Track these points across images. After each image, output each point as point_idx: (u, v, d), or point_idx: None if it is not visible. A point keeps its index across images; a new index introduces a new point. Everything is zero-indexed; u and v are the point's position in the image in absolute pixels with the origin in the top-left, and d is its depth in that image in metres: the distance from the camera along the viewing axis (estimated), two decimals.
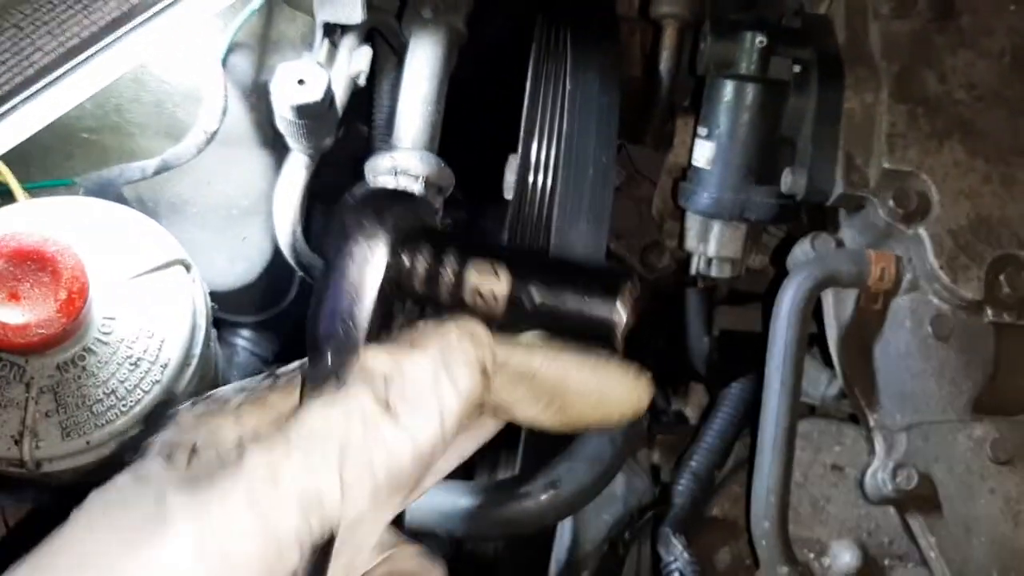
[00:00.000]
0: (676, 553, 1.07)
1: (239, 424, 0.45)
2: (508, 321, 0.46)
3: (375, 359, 0.44)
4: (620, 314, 0.46)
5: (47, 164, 1.03)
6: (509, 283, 0.46)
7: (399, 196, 0.52)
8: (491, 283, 0.46)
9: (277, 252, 1.09)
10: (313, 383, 0.45)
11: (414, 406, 0.43)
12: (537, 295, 0.46)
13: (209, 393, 0.49)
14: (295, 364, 0.49)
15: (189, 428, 0.46)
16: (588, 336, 0.47)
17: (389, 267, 0.46)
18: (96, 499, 0.43)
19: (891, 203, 0.98)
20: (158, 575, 0.39)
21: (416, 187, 0.91)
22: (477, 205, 1.44)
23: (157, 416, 0.81)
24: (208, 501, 0.40)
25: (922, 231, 0.98)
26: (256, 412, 0.46)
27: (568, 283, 0.46)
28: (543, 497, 1.00)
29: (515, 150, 1.24)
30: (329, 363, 0.45)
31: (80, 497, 0.47)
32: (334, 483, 0.42)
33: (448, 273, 0.46)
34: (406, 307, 0.48)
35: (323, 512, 0.41)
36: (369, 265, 0.46)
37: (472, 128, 1.26)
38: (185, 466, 0.42)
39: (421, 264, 0.47)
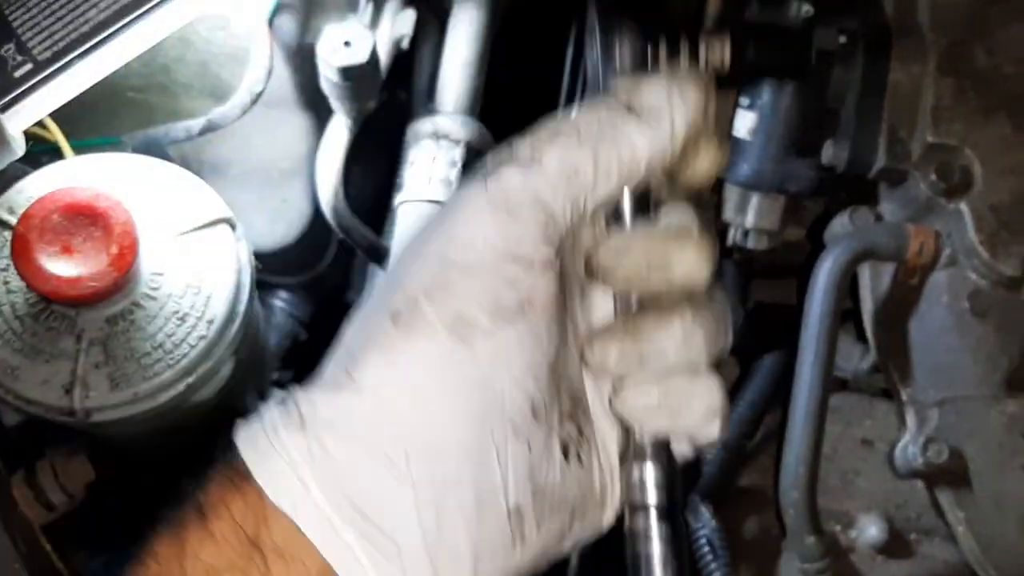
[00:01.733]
0: (704, 520, 1.09)
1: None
2: None
3: (620, 81, 0.59)
4: None
5: (94, 122, 1.04)
6: None
7: None
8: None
9: (316, 215, 1.11)
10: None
11: (651, 113, 0.55)
12: None
13: None
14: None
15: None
16: None
17: None
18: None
19: (933, 177, 0.97)
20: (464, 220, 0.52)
21: (458, 152, 0.92)
22: None
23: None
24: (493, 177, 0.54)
25: (963, 206, 0.97)
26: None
27: None
28: None
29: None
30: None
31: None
32: (588, 160, 0.53)
33: None
34: None
35: (579, 181, 0.53)
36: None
37: (515, 91, 1.26)
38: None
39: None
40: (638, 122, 0.55)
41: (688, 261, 0.56)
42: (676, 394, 0.57)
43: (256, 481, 0.50)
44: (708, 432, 0.60)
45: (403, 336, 0.50)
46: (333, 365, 0.53)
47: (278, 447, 0.50)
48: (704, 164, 0.59)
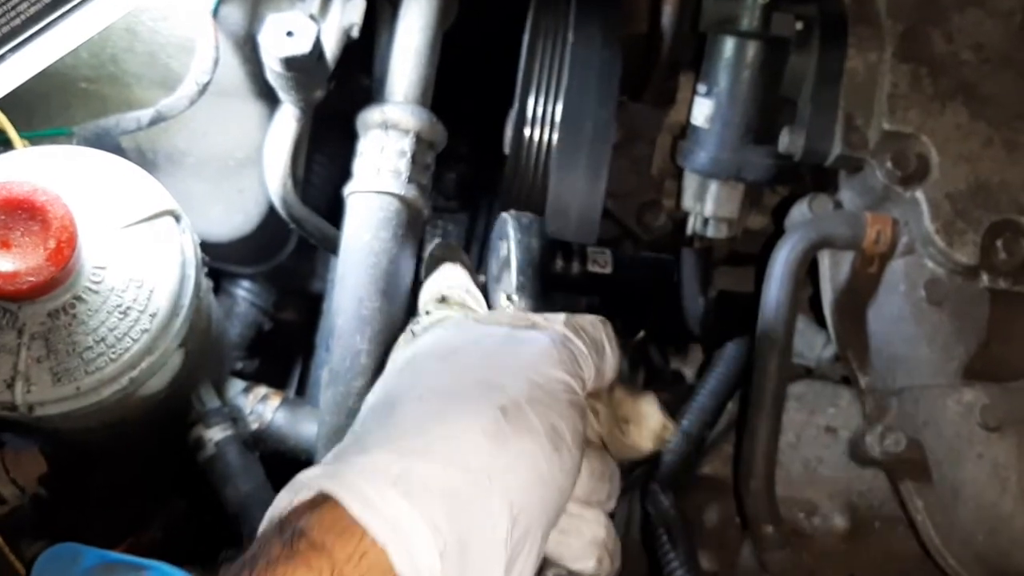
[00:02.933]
0: (663, 509, 1.08)
1: None
2: (614, 277, 0.88)
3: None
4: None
5: (47, 113, 1.03)
6: (611, 255, 0.93)
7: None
8: (602, 256, 0.92)
9: (274, 205, 1.10)
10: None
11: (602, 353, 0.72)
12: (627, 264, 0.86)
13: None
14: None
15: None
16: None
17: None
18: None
19: (889, 165, 0.96)
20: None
21: (407, 142, 0.91)
22: (480, 159, 1.43)
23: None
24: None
25: (919, 194, 0.96)
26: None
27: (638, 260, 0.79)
28: None
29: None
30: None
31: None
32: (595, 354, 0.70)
33: (575, 250, 0.91)
34: None
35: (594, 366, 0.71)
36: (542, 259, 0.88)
37: (474, 81, 1.25)
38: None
39: (557, 251, 0.89)
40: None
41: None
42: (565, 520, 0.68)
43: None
44: (585, 564, 0.71)
45: (514, 431, 0.60)
46: (411, 438, 0.61)
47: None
48: (646, 431, 0.75)
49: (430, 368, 0.66)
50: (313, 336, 1.33)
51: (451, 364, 0.66)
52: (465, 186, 1.47)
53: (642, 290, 0.79)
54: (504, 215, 0.89)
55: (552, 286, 0.87)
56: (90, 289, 0.82)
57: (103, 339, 0.82)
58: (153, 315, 0.83)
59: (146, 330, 0.82)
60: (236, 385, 1.05)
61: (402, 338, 0.75)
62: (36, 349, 0.81)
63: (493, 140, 1.19)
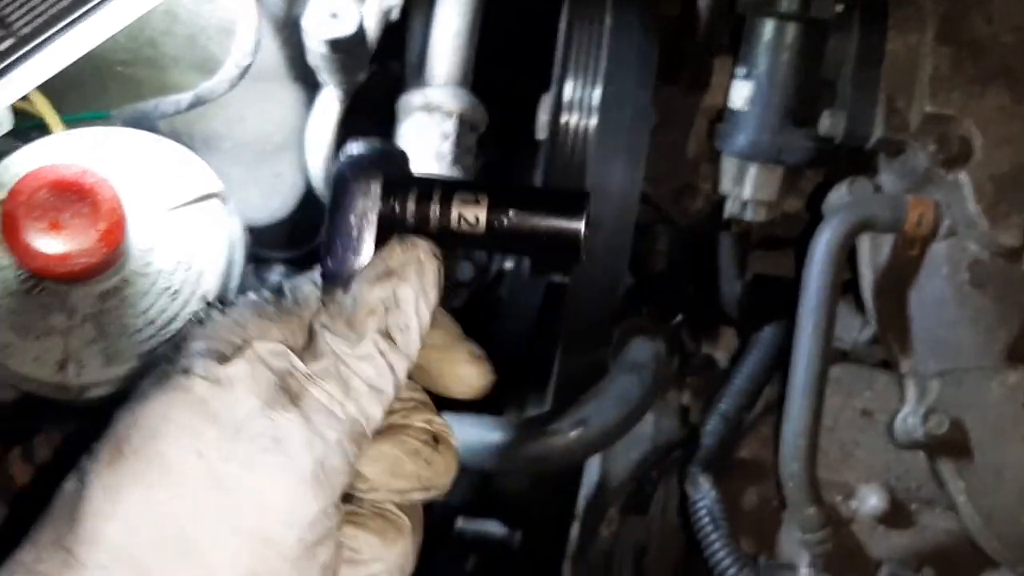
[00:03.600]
0: (704, 491, 1.09)
1: (275, 333, 0.53)
2: (488, 239, 0.56)
3: (377, 292, 0.53)
4: (581, 227, 0.55)
5: (82, 97, 1.03)
6: (487, 208, 0.55)
7: (385, 151, 0.60)
8: (472, 209, 0.55)
9: (311, 188, 1.10)
10: (329, 309, 0.54)
11: (406, 331, 0.53)
12: (511, 217, 0.55)
13: (218, 303, 0.56)
14: (302, 280, 0.57)
15: (228, 332, 0.52)
16: (555, 247, 0.55)
17: (382, 212, 0.56)
18: (170, 402, 0.49)
19: (932, 147, 0.96)
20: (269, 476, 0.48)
21: (450, 124, 0.91)
22: (507, 147, 1.43)
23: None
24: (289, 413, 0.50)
25: (963, 176, 0.96)
26: (284, 326, 0.53)
27: (536, 205, 0.55)
28: (572, 434, 1.02)
29: (547, 89, 1.23)
30: (343, 293, 0.55)
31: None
32: (377, 412, 0.52)
33: (435, 207, 0.56)
34: None
35: (363, 430, 0.52)
36: (367, 215, 0.56)
37: (503, 67, 1.25)
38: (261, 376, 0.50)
39: (411, 203, 0.56)
40: (397, 351, 0.53)
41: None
42: None
43: None
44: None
45: None
46: None
47: None
48: (470, 374, 0.58)
49: (126, 507, 0.47)
50: None
51: (152, 511, 0.47)
52: (491, 172, 1.47)
53: (530, 248, 0.59)
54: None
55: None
56: (139, 271, 0.82)
57: (153, 321, 0.81)
58: (203, 297, 0.82)
59: (196, 312, 0.82)
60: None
61: (159, 365, 0.53)
62: (87, 331, 0.81)
63: (520, 126, 1.19)
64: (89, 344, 0.81)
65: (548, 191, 0.57)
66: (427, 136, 0.90)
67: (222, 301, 0.56)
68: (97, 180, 0.77)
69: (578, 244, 0.55)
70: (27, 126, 0.91)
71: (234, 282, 0.85)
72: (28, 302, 0.81)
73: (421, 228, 0.56)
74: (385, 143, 0.60)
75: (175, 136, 1.05)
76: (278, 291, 0.56)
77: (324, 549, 0.49)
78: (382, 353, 0.52)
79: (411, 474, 0.54)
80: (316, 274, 0.57)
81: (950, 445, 1.00)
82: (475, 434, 1.04)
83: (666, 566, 1.19)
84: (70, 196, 0.77)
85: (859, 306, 1.13)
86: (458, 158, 0.91)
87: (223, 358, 0.50)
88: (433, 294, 0.54)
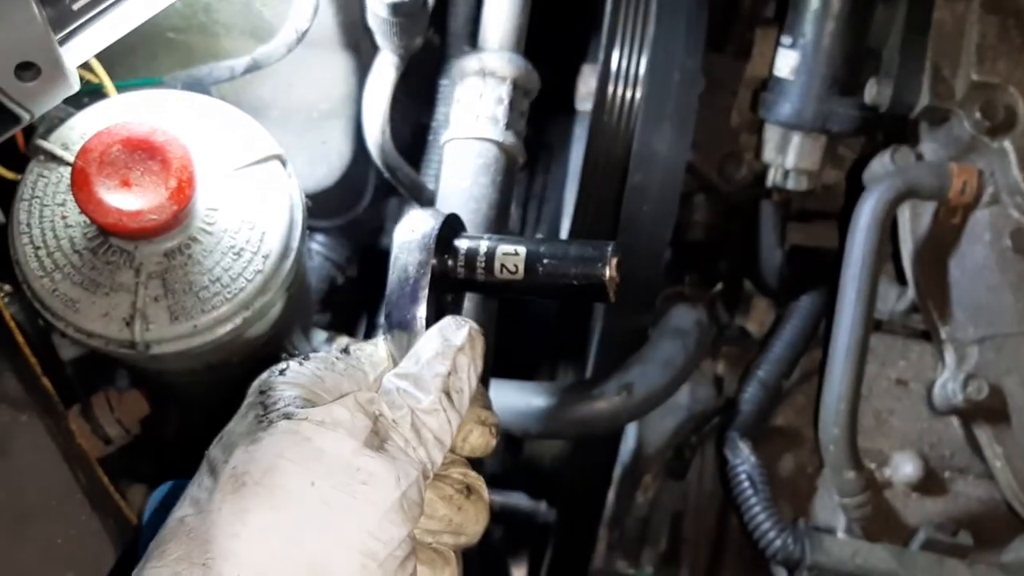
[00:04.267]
0: (743, 456, 1.10)
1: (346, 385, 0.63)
2: (527, 286, 0.67)
3: (441, 359, 0.63)
4: (608, 275, 0.65)
5: (132, 65, 1.04)
6: (524, 260, 0.67)
7: (438, 214, 0.69)
8: (512, 260, 0.67)
9: (356, 157, 1.11)
10: (402, 369, 0.64)
11: (461, 393, 0.63)
12: (546, 266, 0.66)
13: (295, 359, 0.65)
14: (367, 344, 0.67)
15: (312, 383, 0.62)
16: (586, 293, 0.65)
17: (436, 267, 0.67)
18: (282, 441, 0.57)
19: (978, 115, 0.97)
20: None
21: (504, 89, 0.92)
22: (542, 118, 1.44)
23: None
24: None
25: (1007, 144, 0.98)
26: (352, 380, 0.64)
27: (568, 255, 0.66)
28: (617, 398, 1.03)
29: (585, 60, 1.24)
30: (406, 346, 0.65)
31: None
32: (438, 458, 0.61)
33: (481, 261, 0.68)
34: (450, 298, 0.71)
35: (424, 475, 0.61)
36: (423, 270, 0.67)
37: (536, 38, 1.25)
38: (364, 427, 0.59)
39: (461, 258, 0.68)
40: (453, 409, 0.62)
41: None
42: None
43: None
44: None
45: None
46: None
47: None
48: (476, 440, 0.65)
49: (254, 527, 0.55)
50: (378, 291, 1.34)
51: (277, 530, 0.55)
52: (526, 144, 1.48)
53: (564, 293, 0.66)
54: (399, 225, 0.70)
55: (452, 291, 0.70)
56: (204, 230, 0.83)
57: (218, 279, 0.83)
58: (266, 256, 0.84)
59: (259, 271, 0.83)
60: (319, 335, 1.06)
61: (249, 411, 0.61)
62: (153, 288, 0.82)
63: (552, 98, 1.19)
64: (155, 301, 0.82)
65: (578, 243, 0.68)
66: (483, 100, 0.91)
67: (299, 356, 0.65)
68: (168, 138, 0.78)
69: (605, 290, 0.64)
70: (82, 91, 0.92)
71: (296, 241, 0.86)
72: (96, 259, 0.82)
73: (470, 279, 0.68)
74: (436, 211, 0.70)
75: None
76: (345, 351, 0.67)
77: (408, 567, 0.58)
78: (444, 409, 0.61)
79: (443, 517, 0.62)
80: (380, 339, 0.67)
81: (989, 411, 1.02)
82: (519, 399, 1.05)
83: (703, 532, 1.21)
84: (141, 154, 0.78)
85: (896, 276, 1.15)
86: (512, 122, 0.92)
87: (319, 404, 0.60)
88: (480, 363, 0.64)
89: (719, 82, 1.11)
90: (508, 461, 1.47)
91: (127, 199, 0.77)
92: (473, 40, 1.03)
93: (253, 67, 0.98)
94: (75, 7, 0.75)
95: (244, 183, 0.85)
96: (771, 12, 1.15)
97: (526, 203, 1.49)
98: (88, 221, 0.80)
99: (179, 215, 0.78)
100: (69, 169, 0.79)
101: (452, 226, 0.70)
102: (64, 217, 0.83)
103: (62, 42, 0.76)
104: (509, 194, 0.94)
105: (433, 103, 1.19)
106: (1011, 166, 0.97)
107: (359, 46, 1.06)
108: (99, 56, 0.91)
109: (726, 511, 1.17)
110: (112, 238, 0.81)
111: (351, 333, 1.40)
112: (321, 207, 1.18)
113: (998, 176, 0.99)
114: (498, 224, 0.92)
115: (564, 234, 1.26)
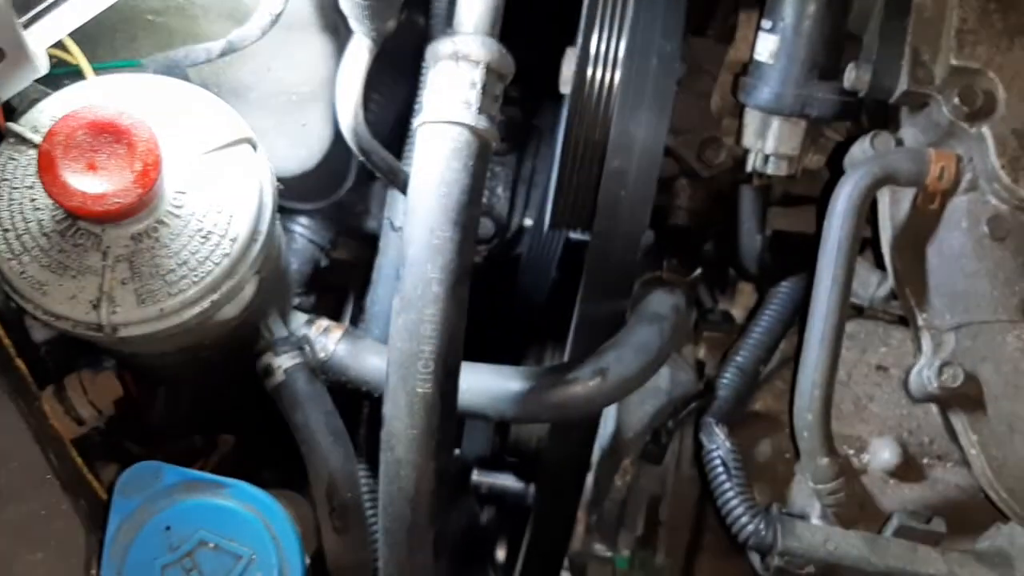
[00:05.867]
0: (718, 442, 1.11)
1: None
2: None
3: None
4: None
5: (113, 46, 1.04)
6: None
7: None
8: None
9: (336, 140, 1.11)
10: None
11: None
12: None
13: None
14: None
15: None
16: None
17: None
18: None
19: (956, 100, 0.96)
20: None
21: (477, 73, 0.91)
22: (529, 101, 1.43)
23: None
24: None
25: (985, 130, 0.97)
26: None
27: None
28: (591, 383, 1.03)
29: (571, 43, 1.23)
30: None
31: None
32: None
33: None
34: None
35: None
36: None
37: (526, 21, 1.25)
38: None
39: None
40: None
41: None
42: None
43: None
44: None
45: None
46: None
47: None
48: None
49: None
50: (364, 277, 1.35)
51: None
52: (514, 128, 1.47)
53: None
54: None
55: None
56: (172, 213, 0.84)
57: (185, 262, 0.83)
58: (233, 240, 0.84)
59: (227, 254, 0.84)
60: (299, 317, 1.07)
61: None
62: (120, 271, 0.82)
63: (542, 81, 1.19)
64: (122, 284, 0.83)
65: None
66: (455, 84, 0.91)
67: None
68: (134, 121, 0.79)
69: None
70: (59, 73, 0.93)
71: (265, 225, 0.87)
72: (64, 242, 0.82)
73: None
74: None
75: (204, 85, 1.06)
76: None
77: None
78: None
79: None
80: None
81: (964, 398, 1.02)
82: (495, 383, 1.05)
83: (679, 516, 1.21)
84: (107, 137, 0.78)
85: (876, 262, 1.14)
86: (484, 106, 0.91)
87: None
88: None
89: (700, 66, 1.11)
90: (496, 443, 1.48)
91: (92, 182, 0.78)
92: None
93: (229, 49, 0.98)
94: None
95: (213, 166, 0.86)
96: None
97: (515, 186, 1.49)
98: (56, 204, 0.80)
99: (144, 198, 0.79)
100: (38, 151, 0.80)
101: None
102: (33, 200, 0.83)
103: (27, 25, 0.76)
104: (482, 178, 0.93)
105: (417, 85, 1.19)
106: (989, 152, 0.96)
107: (338, 29, 1.06)
108: (79, 37, 0.92)
109: (704, 496, 1.18)
110: (80, 221, 0.82)
111: (337, 315, 1.41)
112: (303, 190, 1.19)
113: (976, 162, 0.98)
114: (469, 208, 0.91)
115: (548, 212, 1.26)
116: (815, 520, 1.08)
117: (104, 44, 1.03)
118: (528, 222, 1.42)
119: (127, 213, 0.79)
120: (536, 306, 1.39)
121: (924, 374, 1.02)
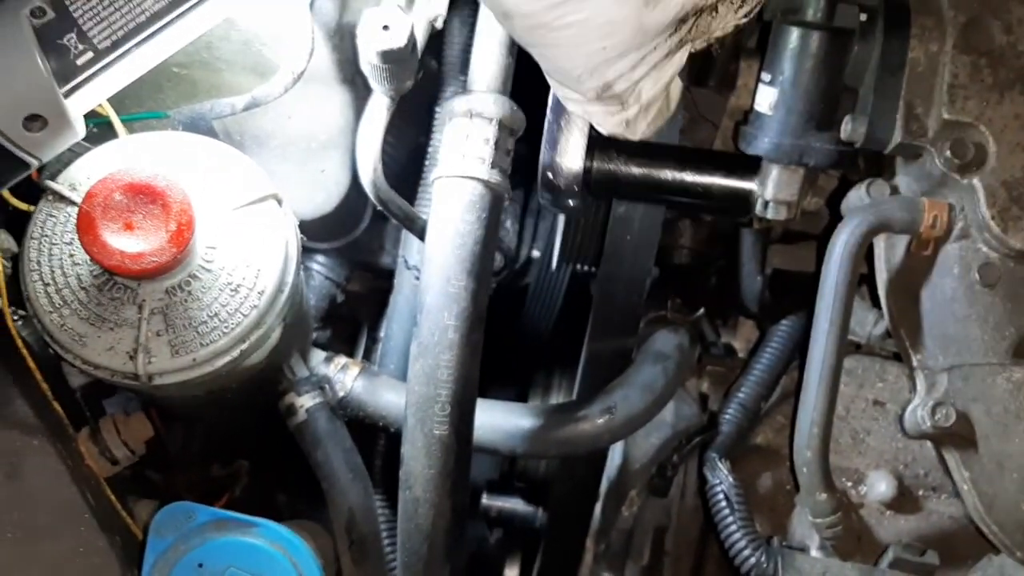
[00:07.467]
0: (721, 476, 1.15)
1: None
2: None
3: None
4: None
5: (139, 96, 1.09)
6: None
7: None
8: None
9: (353, 184, 1.16)
10: None
11: None
12: None
13: None
14: None
15: None
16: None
17: None
18: None
19: (948, 153, 1.01)
20: None
21: (491, 129, 0.96)
22: (535, 137, 1.48)
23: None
24: None
25: (976, 181, 1.01)
26: None
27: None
28: (599, 421, 1.08)
29: None
30: None
31: None
32: None
33: None
34: None
35: None
36: None
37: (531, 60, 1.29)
38: None
39: None
40: None
41: None
42: None
43: None
44: None
45: None
46: None
47: None
48: None
49: None
50: (378, 308, 1.39)
51: None
52: (521, 162, 1.52)
53: None
54: None
55: None
56: (203, 268, 0.88)
57: (216, 314, 0.88)
58: (261, 292, 0.89)
59: (255, 306, 0.88)
60: (318, 355, 1.11)
61: None
62: (155, 323, 0.87)
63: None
64: (157, 335, 0.87)
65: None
66: (469, 140, 0.95)
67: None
68: (168, 183, 0.83)
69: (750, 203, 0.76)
70: (90, 124, 0.97)
71: (291, 276, 0.91)
72: (101, 296, 0.87)
73: None
74: None
75: (227, 133, 1.11)
76: None
77: None
78: None
79: None
80: None
81: (956, 437, 1.06)
82: (507, 420, 1.10)
83: (684, 546, 1.25)
84: (143, 198, 0.83)
85: (874, 301, 1.19)
86: (497, 160, 0.96)
87: None
88: None
89: (702, 115, 1.15)
90: (505, 468, 1.52)
91: (130, 242, 0.83)
92: (467, 68, 1.07)
93: (252, 105, 1.03)
94: (79, 62, 0.81)
95: (241, 222, 0.90)
96: (753, 43, 1.18)
97: (523, 219, 1.53)
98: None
99: (179, 256, 0.84)
100: (76, 209, 0.85)
101: None
102: (72, 255, 0.88)
103: (67, 95, 0.81)
104: (495, 229, 0.98)
105: (430, 125, 1.23)
106: (980, 203, 1.00)
107: (355, 80, 1.11)
108: None
109: (707, 527, 1.22)
110: (116, 276, 0.87)
111: (352, 346, 1.46)
112: (320, 231, 1.24)
113: (968, 212, 1.02)
114: (483, 258, 0.96)
115: (557, 249, 1.30)
116: (814, 552, 1.13)
117: (131, 95, 1.07)
118: (536, 253, 1.46)
119: (162, 271, 0.84)
120: (543, 334, 1.44)
121: (918, 413, 1.07)
